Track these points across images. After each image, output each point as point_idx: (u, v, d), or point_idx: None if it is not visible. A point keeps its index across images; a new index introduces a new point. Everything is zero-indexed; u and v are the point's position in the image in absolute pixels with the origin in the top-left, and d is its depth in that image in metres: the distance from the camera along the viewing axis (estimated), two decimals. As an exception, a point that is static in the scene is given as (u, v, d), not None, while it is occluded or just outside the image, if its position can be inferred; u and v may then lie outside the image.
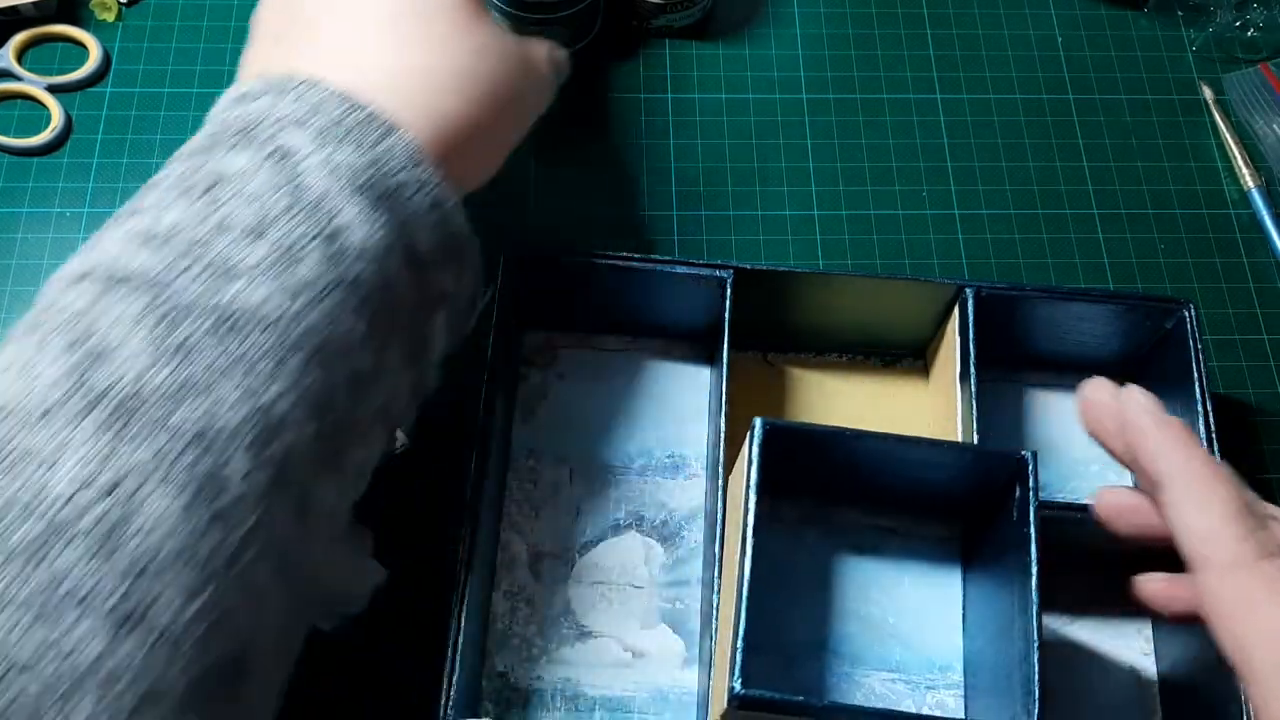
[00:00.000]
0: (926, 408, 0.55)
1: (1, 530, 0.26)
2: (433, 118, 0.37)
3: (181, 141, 0.61)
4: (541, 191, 0.61)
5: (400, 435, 0.54)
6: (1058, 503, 0.46)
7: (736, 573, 0.42)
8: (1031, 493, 0.43)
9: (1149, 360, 0.53)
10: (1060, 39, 0.67)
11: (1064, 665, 0.49)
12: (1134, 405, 0.37)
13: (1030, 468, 0.44)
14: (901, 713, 0.45)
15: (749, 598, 0.41)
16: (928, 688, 0.49)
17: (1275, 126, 0.63)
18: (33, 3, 0.63)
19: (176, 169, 0.37)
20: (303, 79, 0.36)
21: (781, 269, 0.51)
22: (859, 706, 0.47)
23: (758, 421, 0.44)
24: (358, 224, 0.34)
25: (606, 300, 0.53)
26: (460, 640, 0.44)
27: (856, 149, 0.63)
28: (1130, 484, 0.50)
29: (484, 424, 0.47)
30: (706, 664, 0.45)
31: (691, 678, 0.49)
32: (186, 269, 0.32)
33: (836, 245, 0.60)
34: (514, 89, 0.41)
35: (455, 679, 0.43)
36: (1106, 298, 0.51)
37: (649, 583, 0.51)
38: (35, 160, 0.60)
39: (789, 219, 0.60)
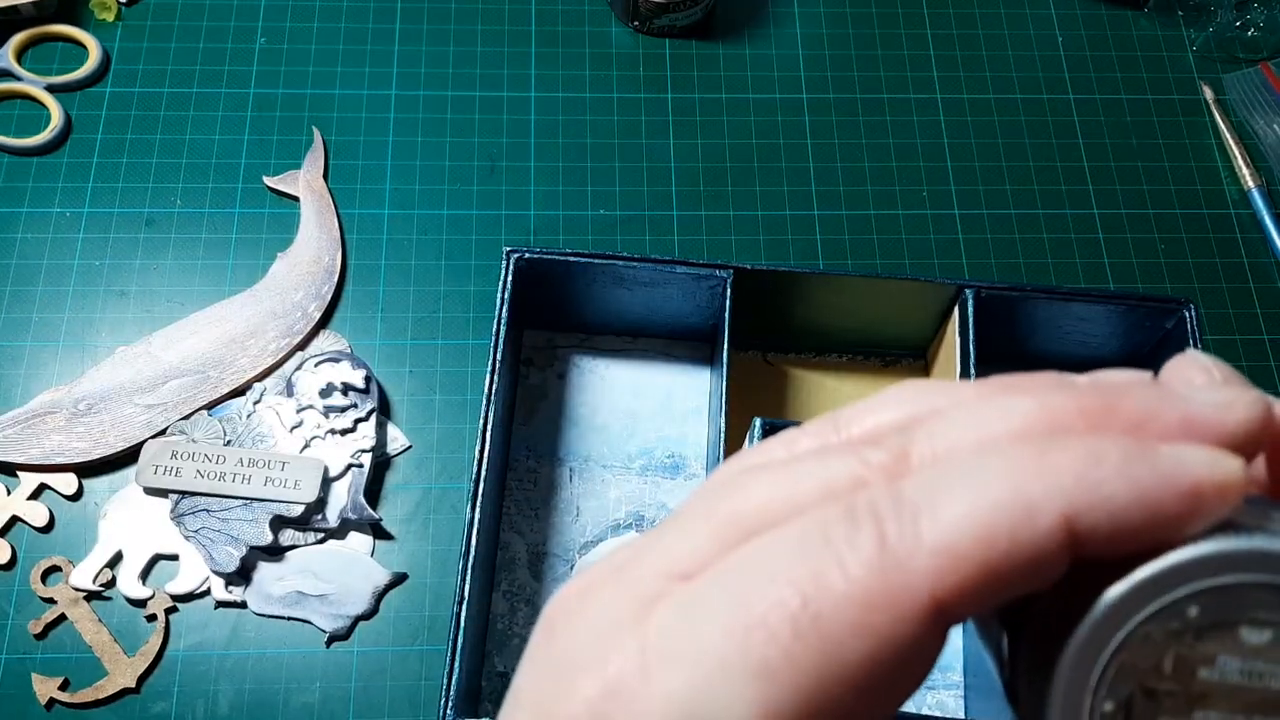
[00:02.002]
0: (926, 408, 0.55)
1: None
2: None
3: (180, 141, 0.62)
4: (541, 191, 0.61)
5: (400, 435, 0.54)
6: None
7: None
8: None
9: (1149, 360, 0.53)
10: (1060, 39, 0.67)
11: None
12: None
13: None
14: (901, 713, 0.45)
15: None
16: (928, 688, 0.49)
17: (1275, 126, 0.63)
18: (32, 2, 0.63)
19: None
20: None
21: (781, 269, 0.51)
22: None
23: (757, 421, 0.44)
24: None
25: (606, 300, 0.53)
26: (460, 640, 0.44)
27: (856, 149, 0.63)
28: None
29: (484, 424, 0.47)
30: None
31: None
32: None
33: (836, 245, 0.60)
34: None
35: (455, 679, 0.43)
36: (1106, 298, 0.51)
37: (649, 583, 0.51)
38: (35, 160, 0.60)
39: (789, 219, 0.60)
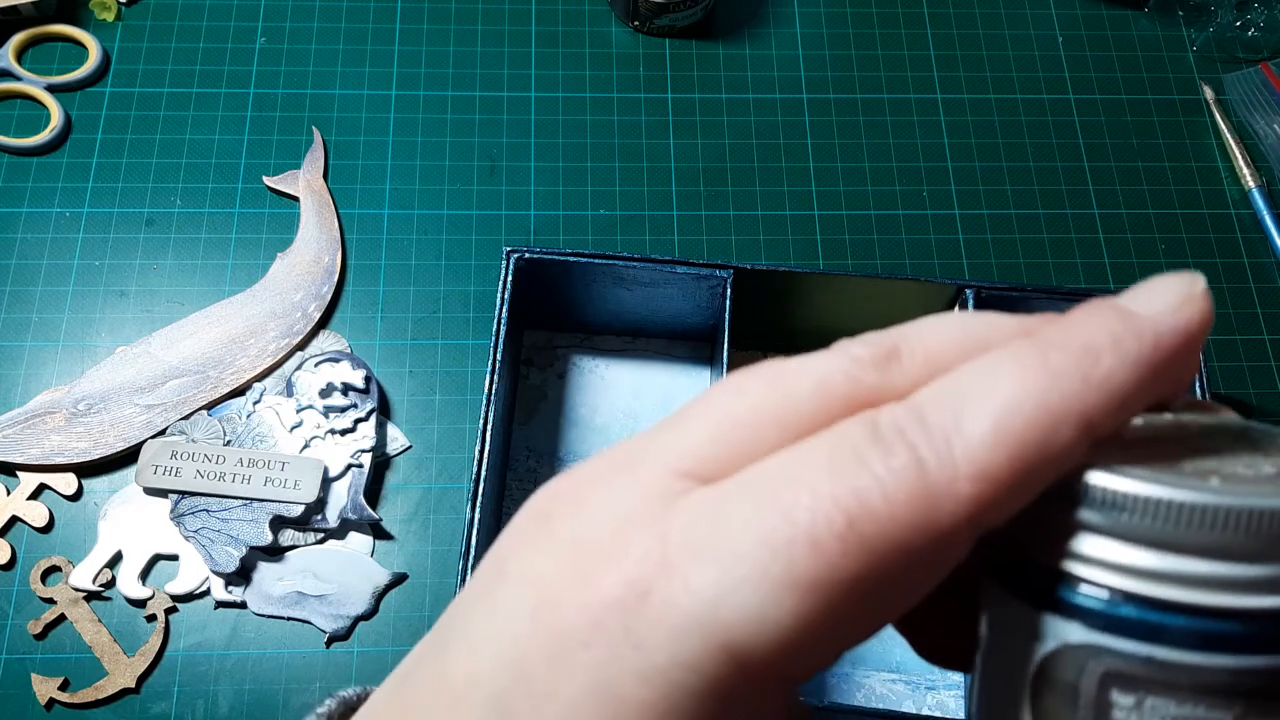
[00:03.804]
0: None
1: None
2: None
3: (180, 141, 0.62)
4: (541, 191, 0.61)
5: (400, 435, 0.54)
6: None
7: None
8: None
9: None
10: (1060, 39, 0.67)
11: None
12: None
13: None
14: (901, 713, 0.45)
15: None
16: (928, 688, 0.49)
17: (1275, 126, 0.63)
18: (32, 2, 0.63)
19: None
20: None
21: (781, 269, 0.51)
22: (859, 706, 0.47)
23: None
24: None
25: (606, 300, 0.53)
26: (460, 640, 0.43)
27: (856, 149, 0.63)
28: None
29: (484, 424, 0.47)
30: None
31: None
32: None
33: (836, 245, 0.60)
34: None
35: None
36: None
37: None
38: (35, 160, 0.60)
39: (789, 219, 0.60)
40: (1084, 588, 0.17)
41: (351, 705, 0.22)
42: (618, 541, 0.17)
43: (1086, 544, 0.17)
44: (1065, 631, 0.17)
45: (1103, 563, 0.16)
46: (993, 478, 0.16)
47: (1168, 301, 0.17)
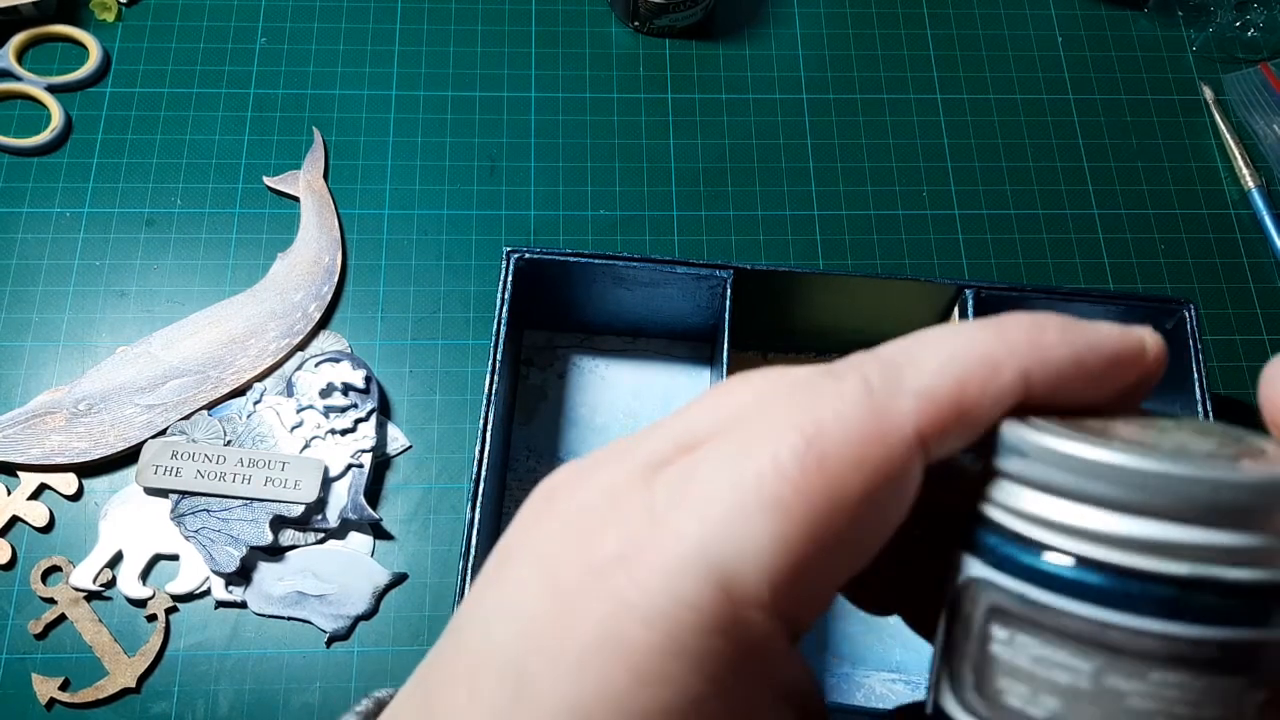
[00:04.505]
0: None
1: None
2: None
3: (181, 141, 0.62)
4: (541, 191, 0.61)
5: (400, 435, 0.54)
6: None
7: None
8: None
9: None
10: (1060, 39, 0.67)
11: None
12: None
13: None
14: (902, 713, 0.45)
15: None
16: (928, 688, 0.49)
17: (1275, 126, 0.63)
18: (33, 2, 0.63)
19: None
20: None
21: (781, 269, 0.51)
22: (859, 706, 0.47)
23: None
24: None
25: (606, 300, 0.53)
26: (460, 640, 0.43)
27: (856, 149, 0.63)
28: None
29: (484, 424, 0.47)
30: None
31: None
32: None
33: (836, 245, 0.60)
34: None
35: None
36: (1106, 298, 0.51)
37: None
38: (35, 160, 0.60)
39: (789, 219, 0.60)
40: (987, 528, 0.18)
41: (384, 704, 0.23)
42: (613, 506, 0.18)
43: (995, 488, 0.18)
44: (970, 567, 0.18)
45: (1001, 505, 0.18)
46: (935, 398, 0.17)
47: (1115, 327, 0.19)
